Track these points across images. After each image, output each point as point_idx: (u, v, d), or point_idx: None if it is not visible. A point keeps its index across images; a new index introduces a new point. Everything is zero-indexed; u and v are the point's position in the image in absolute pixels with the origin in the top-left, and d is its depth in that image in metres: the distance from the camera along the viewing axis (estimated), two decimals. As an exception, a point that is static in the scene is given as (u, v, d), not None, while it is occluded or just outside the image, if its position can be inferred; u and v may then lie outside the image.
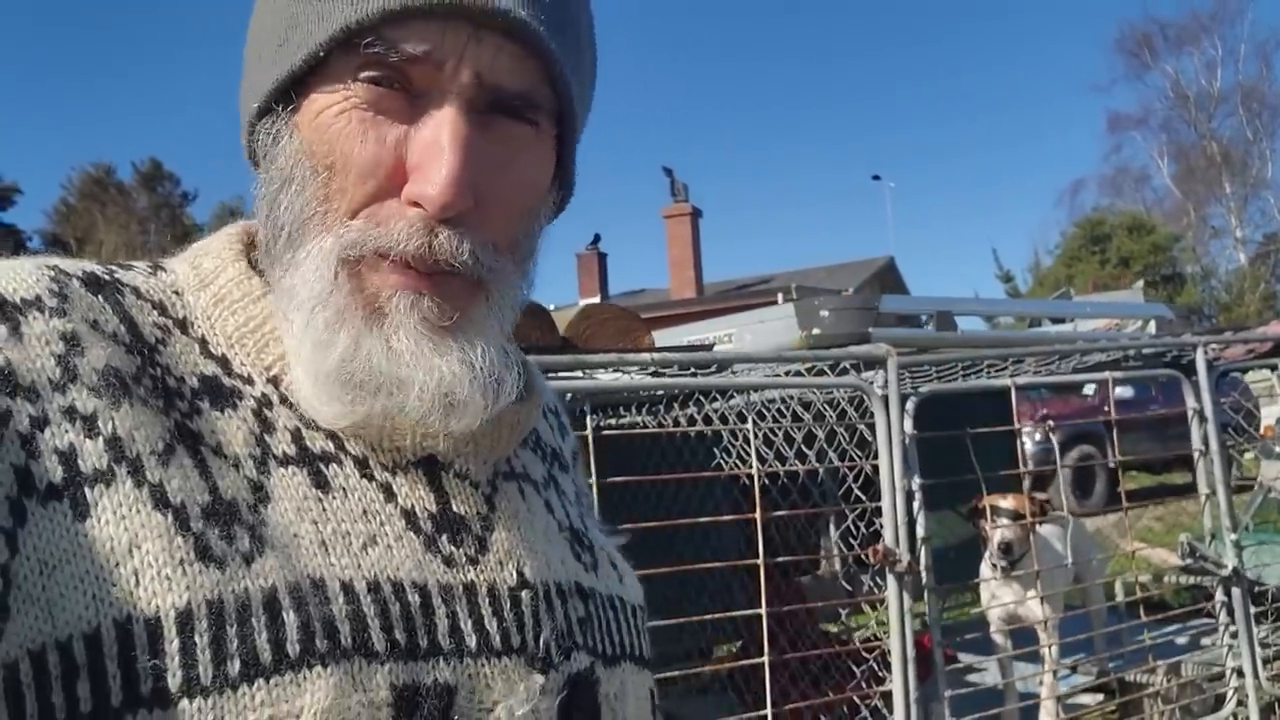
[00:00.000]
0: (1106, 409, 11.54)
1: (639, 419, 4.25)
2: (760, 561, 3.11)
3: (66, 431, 0.60)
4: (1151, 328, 5.64)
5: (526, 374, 0.80)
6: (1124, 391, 10.85)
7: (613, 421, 4.36)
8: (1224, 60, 35.76)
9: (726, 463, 3.93)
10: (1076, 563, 4.27)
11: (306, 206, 0.68)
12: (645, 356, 2.88)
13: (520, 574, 0.72)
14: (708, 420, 4.05)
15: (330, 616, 0.61)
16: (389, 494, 0.69)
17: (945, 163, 72.98)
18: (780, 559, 3.46)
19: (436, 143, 0.65)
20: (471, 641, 0.67)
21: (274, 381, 0.70)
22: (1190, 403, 4.01)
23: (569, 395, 2.98)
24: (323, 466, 0.68)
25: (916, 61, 72.69)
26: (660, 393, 3.61)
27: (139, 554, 0.58)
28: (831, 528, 5.38)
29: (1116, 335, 5.03)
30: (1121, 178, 37.86)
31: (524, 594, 0.71)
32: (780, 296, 22.43)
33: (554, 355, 2.94)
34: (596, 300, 27.15)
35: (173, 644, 0.57)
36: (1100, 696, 4.24)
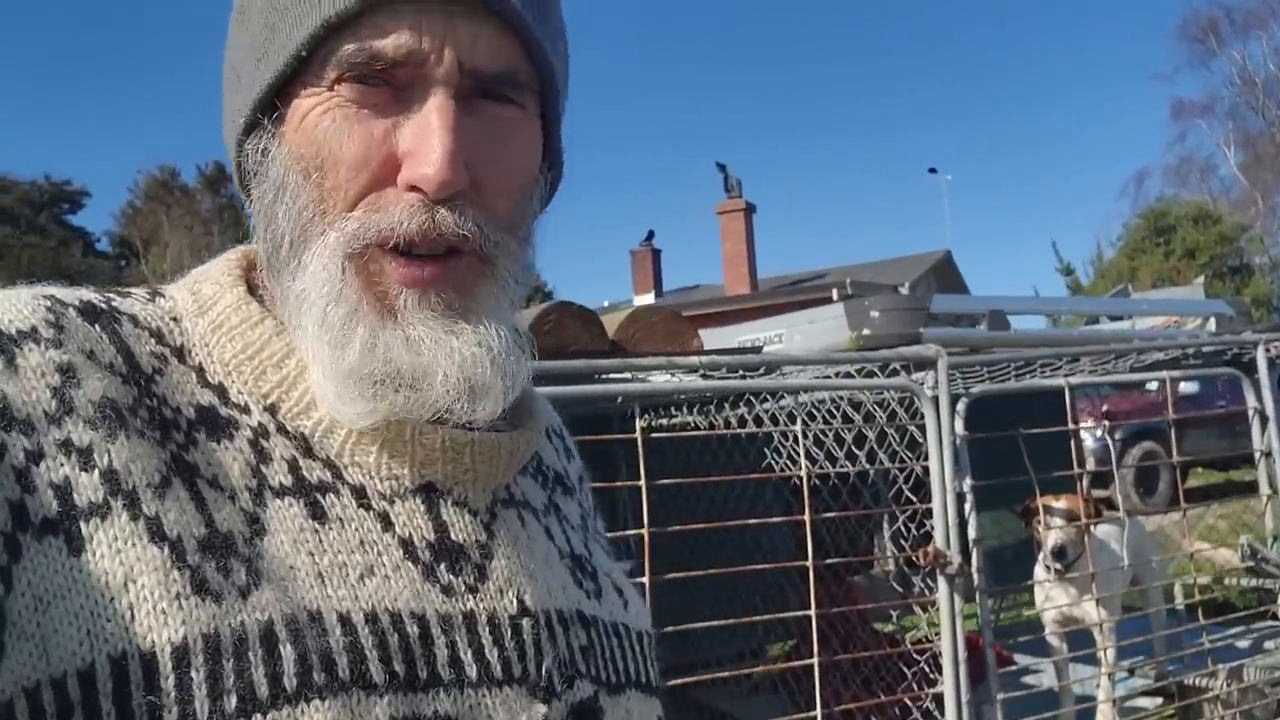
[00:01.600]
0: (1170, 406, 11.35)
1: (690, 419, 4.26)
2: (810, 563, 3.12)
3: (62, 465, 0.59)
4: (1211, 325, 5.53)
5: (526, 398, 0.80)
6: (1188, 387, 10.63)
7: (664, 422, 4.38)
8: (1293, 45, 34.81)
9: (777, 463, 3.93)
10: (1134, 564, 4.21)
11: (304, 210, 0.68)
12: (693, 360, 2.90)
13: (520, 602, 0.71)
14: (758, 421, 4.05)
15: (328, 649, 0.61)
16: (386, 523, 0.68)
17: (1003, 155, 71.92)
18: (830, 560, 3.46)
19: (427, 127, 0.66)
20: (472, 671, 0.66)
21: (271, 410, 0.70)
22: (1251, 402, 3.94)
23: (619, 399, 3.01)
24: (319, 497, 0.67)
25: (974, 52, 71.69)
26: (709, 394, 3.62)
27: (134, 588, 0.58)
28: (885, 527, 5.35)
29: (1175, 333, 4.94)
30: (1186, 167, 37.05)
31: (524, 622, 0.70)
32: (835, 292, 22.27)
33: (603, 359, 2.97)
34: (650, 297, 27.18)
35: (169, 680, 0.56)
36: (1159, 700, 4.17)
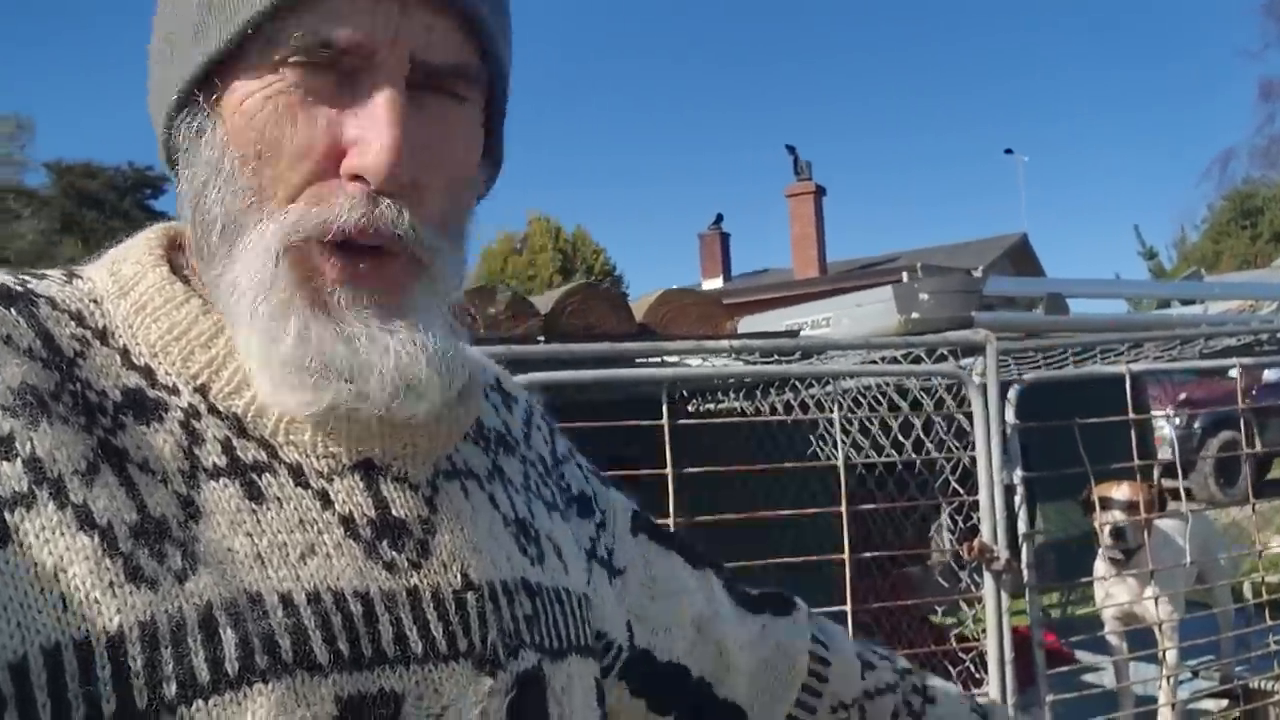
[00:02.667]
0: (1255, 393, 10.93)
1: (729, 404, 4.17)
2: (845, 556, 3.00)
3: None
4: (1291, 309, 5.26)
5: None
6: (1271, 375, 10.20)
7: (710, 407, 4.29)
8: (1393, 18, 33.31)
9: (823, 451, 3.82)
10: (1200, 561, 4.01)
11: (239, 197, 0.67)
12: (724, 343, 2.80)
13: (465, 576, 0.71)
14: (805, 408, 3.94)
15: (269, 631, 0.60)
16: (326, 501, 0.68)
17: (1082, 136, 70.18)
18: (876, 554, 3.34)
19: (373, 116, 0.65)
20: (418, 648, 0.66)
21: (201, 391, 0.68)
22: (1329, 391, 3.71)
23: (664, 383, 2.93)
24: (255, 477, 0.66)
25: (1051, 31, 69.96)
26: (749, 380, 3.52)
27: (65, 578, 0.57)
28: (944, 518, 5.20)
29: (1247, 318, 4.70)
30: (1276, 148, 35.64)
31: (469, 595, 0.70)
32: (905, 275, 21.93)
33: (630, 341, 2.89)
34: (719, 281, 27.06)
35: (105, 669, 0.56)
36: (1224, 703, 3.98)
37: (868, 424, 3.49)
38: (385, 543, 0.68)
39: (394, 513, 0.70)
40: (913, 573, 5.24)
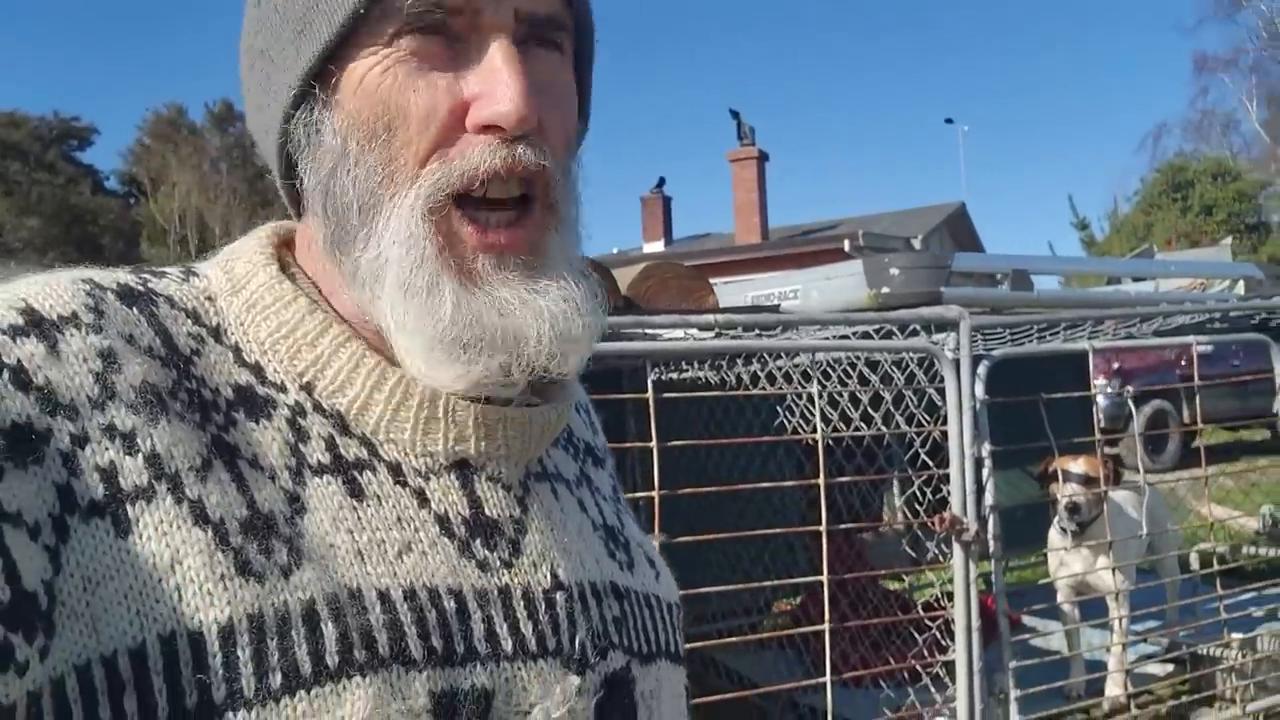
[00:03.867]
0: (1184, 363, 11.24)
1: (701, 374, 4.19)
2: (823, 528, 3.05)
3: (107, 449, 0.60)
4: (1240, 288, 5.42)
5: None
6: (1203, 347, 10.51)
7: (674, 376, 4.31)
8: (1322, -3, 34.10)
9: (790, 422, 3.86)
10: (1151, 531, 4.15)
11: (372, 173, 0.68)
12: (709, 318, 2.81)
13: (554, 575, 0.72)
14: (771, 379, 3.97)
15: (368, 626, 0.62)
16: (422, 500, 0.69)
17: (1021, 107, 71.05)
18: (844, 525, 3.40)
19: (494, 68, 0.66)
20: (508, 645, 0.67)
21: (307, 388, 0.70)
22: (1278, 368, 3.84)
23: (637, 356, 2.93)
24: (357, 474, 0.68)
25: (993, 3, 70.54)
26: (723, 351, 3.54)
27: (181, 570, 0.59)
28: (895, 487, 5.30)
29: (1201, 296, 4.83)
30: (1207, 122, 36.45)
31: (558, 595, 0.71)
32: (847, 243, 22.07)
33: (616, 315, 2.88)
34: (660, 244, 27.03)
35: (216, 658, 0.58)
36: (1170, 669, 4.13)
37: (836, 397, 3.54)
38: (478, 541, 0.70)
39: (487, 512, 0.71)
40: (868, 540, 5.35)
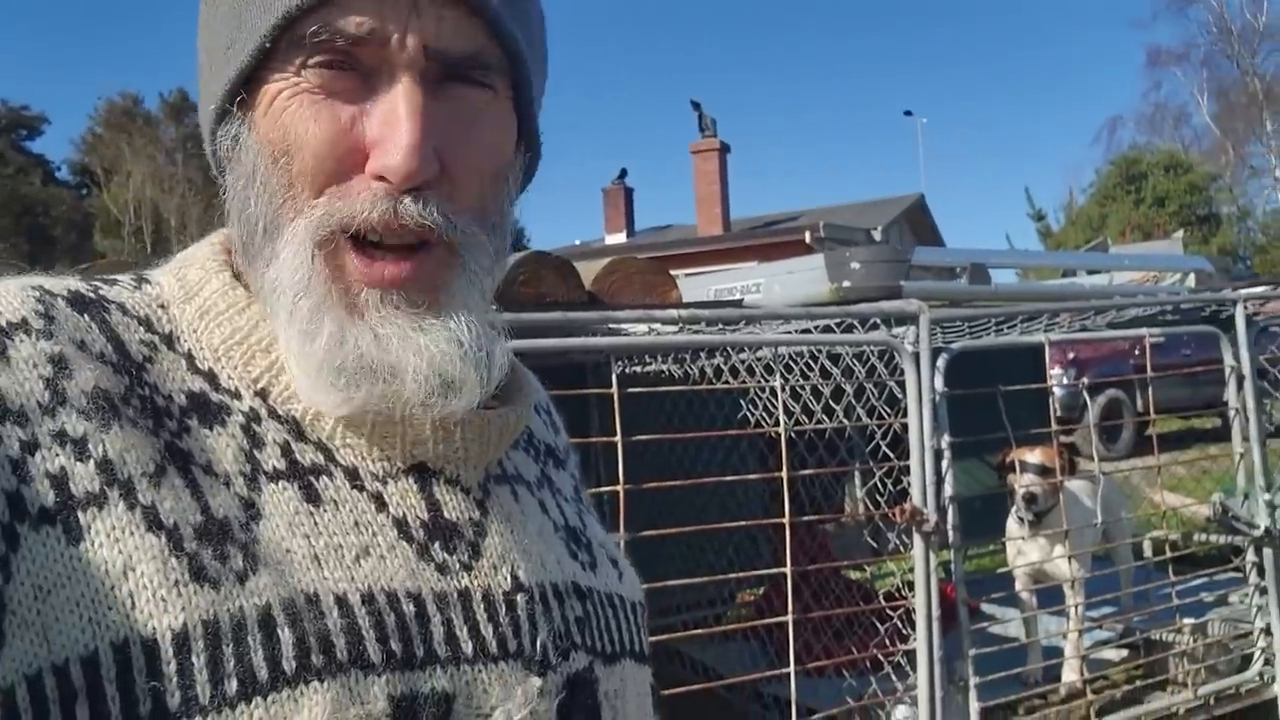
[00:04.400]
0: (1138, 353, 11.42)
1: (665, 368, 4.21)
2: (786, 520, 3.09)
3: (57, 455, 0.60)
4: (1191, 280, 5.53)
5: (515, 373, 0.80)
6: (1155, 338, 10.69)
7: (637, 370, 4.33)
8: (1270, -6, 34.66)
9: (753, 415, 3.89)
10: (1106, 520, 4.23)
11: (274, 196, 0.68)
12: (672, 313, 2.83)
13: (515, 577, 0.72)
14: (734, 372, 4.00)
15: (325, 631, 0.62)
16: (380, 504, 0.69)
17: (979, 99, 71.69)
18: (807, 517, 3.44)
19: (393, 114, 0.65)
20: (468, 648, 0.67)
21: (262, 395, 0.70)
22: (1228, 359, 3.93)
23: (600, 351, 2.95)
24: (313, 480, 0.68)
25: (952, -8, 71.04)
26: (687, 346, 3.57)
27: (134, 576, 0.58)
28: (857, 479, 5.36)
29: (1154, 289, 4.92)
30: (1160, 115, 36.98)
31: (519, 597, 0.71)
32: (808, 234, 22.18)
33: (581, 311, 2.90)
34: (622, 236, 27.02)
35: (170, 665, 0.57)
36: (1124, 654, 4.22)
37: (799, 390, 3.57)
38: (437, 545, 0.70)
39: (446, 515, 0.71)
40: (829, 531, 5.40)
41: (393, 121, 0.65)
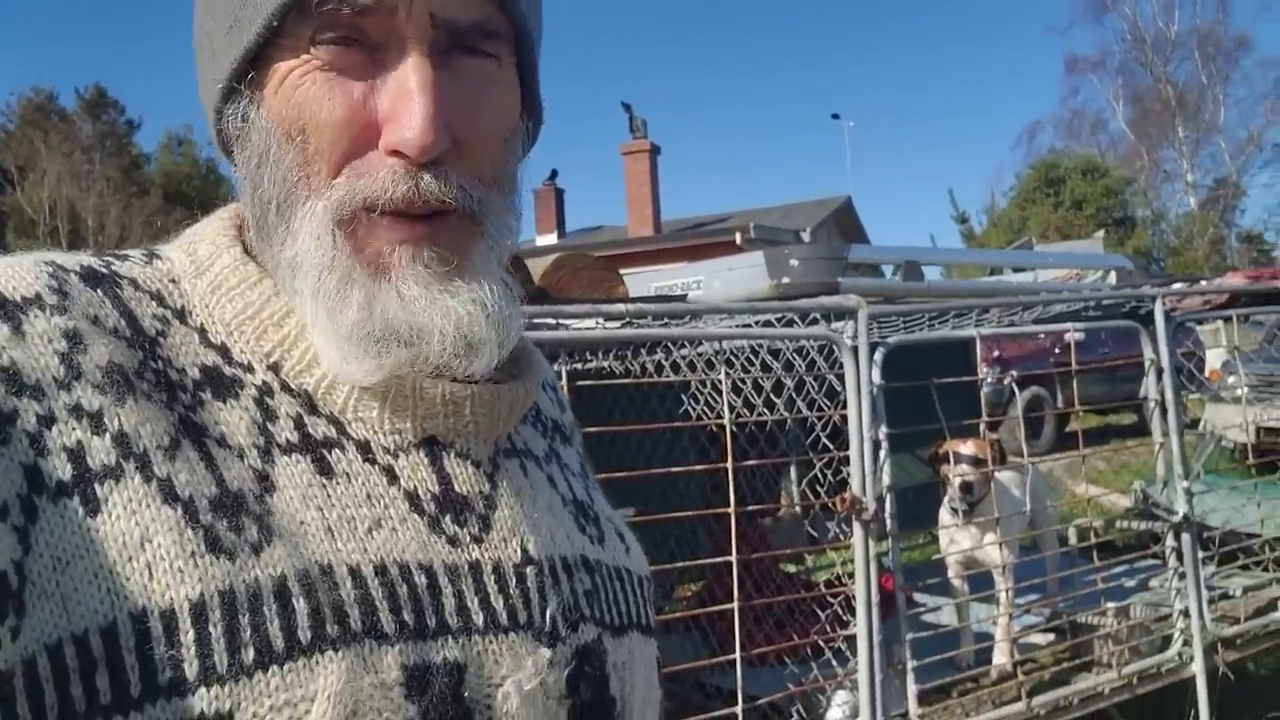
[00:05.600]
0: (1058, 351, 11.71)
1: (606, 364, 4.26)
2: (731, 510, 3.16)
3: (74, 429, 0.61)
4: (1112, 278, 5.73)
5: (523, 349, 0.82)
6: (1077, 334, 11.01)
7: (579, 367, 4.36)
8: (1181, 3, 35.88)
9: (694, 409, 3.96)
10: (1032, 509, 4.38)
11: (289, 175, 0.69)
12: (620, 308, 2.88)
13: (524, 550, 0.73)
14: (675, 368, 4.06)
15: (339, 601, 0.63)
16: (392, 477, 0.70)
17: (904, 103, 72.92)
18: (749, 507, 3.51)
19: (405, 89, 0.66)
20: (479, 619, 0.68)
21: (274, 368, 0.71)
22: (1148, 354, 4.10)
23: (543, 346, 2.98)
24: (326, 452, 0.69)
25: (878, 2, 72.14)
26: (630, 341, 3.62)
27: (151, 548, 0.59)
28: (792, 471, 5.46)
29: (1078, 286, 5.10)
30: (1078, 121, 38.08)
31: (529, 570, 0.72)
32: (738, 236, 22.38)
33: (529, 305, 2.93)
34: (553, 237, 26.96)
35: (188, 634, 0.58)
36: (1052, 637, 4.37)
37: (740, 384, 3.65)
38: (448, 517, 0.70)
39: (456, 488, 0.72)
40: (768, 525, 5.50)
41: (405, 96, 0.65)
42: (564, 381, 2.84)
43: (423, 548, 0.68)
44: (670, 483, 4.24)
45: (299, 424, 0.69)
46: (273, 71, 0.68)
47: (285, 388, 0.70)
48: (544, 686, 0.70)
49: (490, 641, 0.68)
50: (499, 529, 0.73)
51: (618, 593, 0.81)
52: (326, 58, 0.66)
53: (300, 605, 0.61)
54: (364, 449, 0.70)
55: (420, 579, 0.67)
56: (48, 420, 0.60)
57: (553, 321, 2.86)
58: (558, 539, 0.77)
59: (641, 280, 5.07)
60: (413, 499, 0.70)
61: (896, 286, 4.52)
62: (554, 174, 28.28)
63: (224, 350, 0.71)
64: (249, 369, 0.70)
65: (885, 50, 73.68)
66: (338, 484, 0.68)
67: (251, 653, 0.59)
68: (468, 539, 0.71)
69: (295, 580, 0.62)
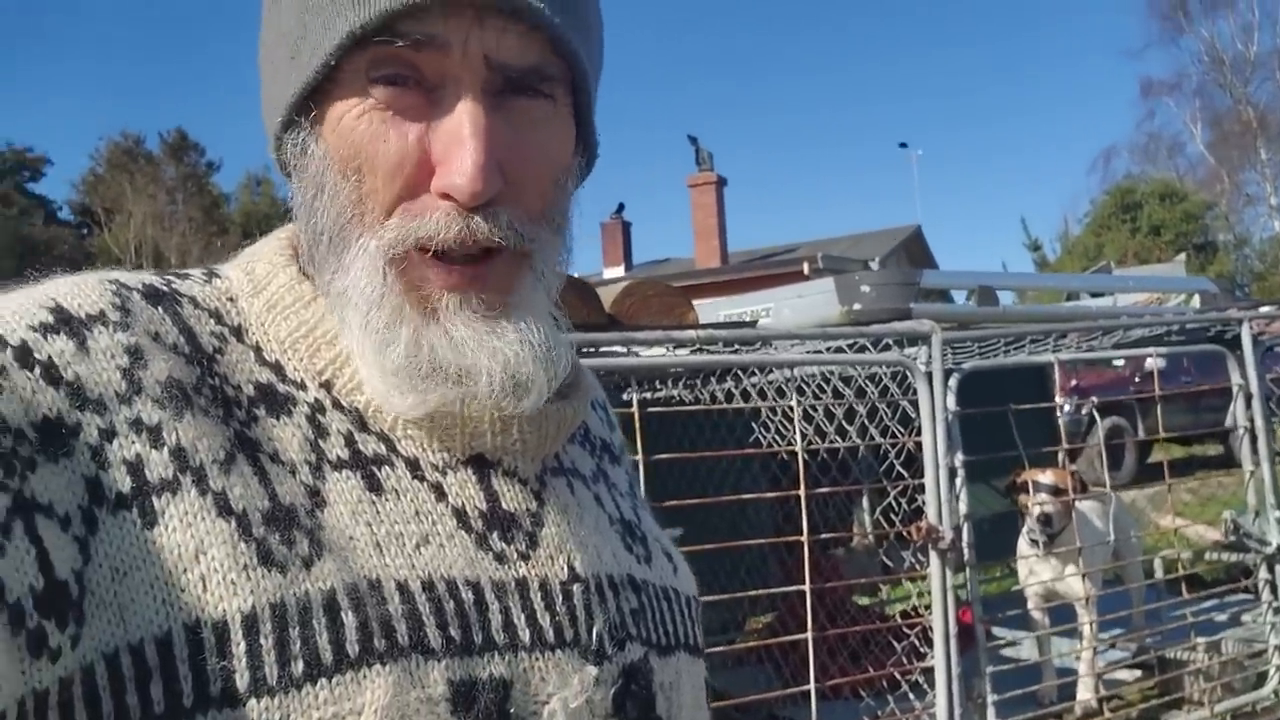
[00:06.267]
0: (1138, 379, 11.41)
1: (675, 393, 4.25)
2: (805, 539, 3.11)
3: (133, 443, 0.62)
4: (1195, 301, 5.57)
5: (574, 370, 0.81)
6: (1158, 363, 10.74)
7: (648, 395, 4.36)
8: (1260, 24, 35.06)
9: (765, 438, 3.92)
10: (1116, 539, 4.25)
11: (342, 211, 0.70)
12: (690, 334, 2.87)
13: (571, 568, 0.73)
14: (746, 395, 4.04)
15: (387, 616, 0.63)
16: (440, 494, 0.71)
17: (974, 130, 72.13)
18: (822, 535, 3.46)
19: (458, 133, 0.66)
20: (525, 636, 0.68)
21: (326, 386, 0.72)
22: (1235, 379, 3.97)
23: (612, 374, 2.98)
24: (375, 469, 0.70)
25: (945, 27, 71.77)
26: (700, 369, 3.60)
27: (205, 560, 0.60)
28: (865, 502, 5.38)
29: (1160, 310, 4.97)
30: (1154, 145, 37.25)
31: (575, 587, 0.72)
32: (806, 266, 22.29)
33: (600, 332, 2.94)
34: (620, 270, 27.11)
35: (239, 646, 0.59)
36: (1139, 673, 4.22)
37: (811, 411, 3.61)
38: (495, 534, 0.71)
39: (504, 506, 0.73)
40: (840, 555, 5.42)
41: (458, 141, 0.66)
42: (635, 410, 2.84)
43: (470, 564, 0.69)
44: (741, 511, 4.21)
45: (350, 441, 0.70)
46: (331, 108, 0.69)
47: (337, 405, 0.72)
48: (590, 704, 0.69)
49: (536, 658, 0.68)
50: (546, 546, 0.73)
51: (664, 612, 0.81)
52: (383, 97, 0.67)
53: (349, 619, 0.62)
54: (413, 466, 0.71)
55: (467, 595, 0.67)
56: (109, 434, 0.61)
57: (623, 349, 2.85)
58: (604, 557, 0.77)
59: (710, 309, 5.06)
60: (460, 516, 0.70)
61: (971, 312, 4.44)
62: (621, 207, 28.46)
63: (278, 368, 0.72)
64: (302, 386, 0.72)
65: (954, 77, 73.17)
66: (387, 500, 0.68)
67: (301, 665, 0.60)
68: (515, 556, 0.71)
69: (344, 594, 0.63)
